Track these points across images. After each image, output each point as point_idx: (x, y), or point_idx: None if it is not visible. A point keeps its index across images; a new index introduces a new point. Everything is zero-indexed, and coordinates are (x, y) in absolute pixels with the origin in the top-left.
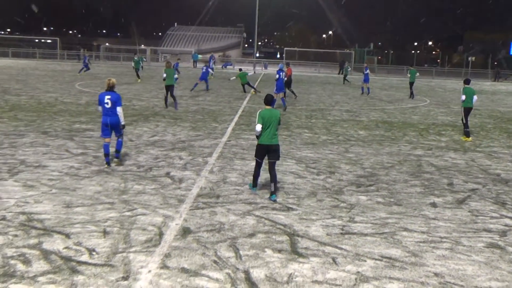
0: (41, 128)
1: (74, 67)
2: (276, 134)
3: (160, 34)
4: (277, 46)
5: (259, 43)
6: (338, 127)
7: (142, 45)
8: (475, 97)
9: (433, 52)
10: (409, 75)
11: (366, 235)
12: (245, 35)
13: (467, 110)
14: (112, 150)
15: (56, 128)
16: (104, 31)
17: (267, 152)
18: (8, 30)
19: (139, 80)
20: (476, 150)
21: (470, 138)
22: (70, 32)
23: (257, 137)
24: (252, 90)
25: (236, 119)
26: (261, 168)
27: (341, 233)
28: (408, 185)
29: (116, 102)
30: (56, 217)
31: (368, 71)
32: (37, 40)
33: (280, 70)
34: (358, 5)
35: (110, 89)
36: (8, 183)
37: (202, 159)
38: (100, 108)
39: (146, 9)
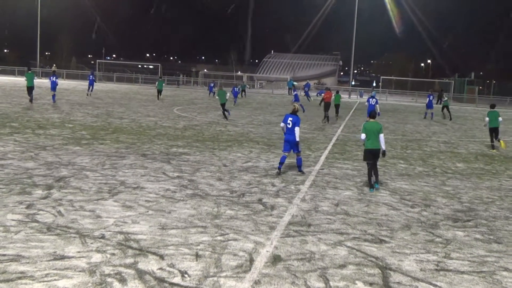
0: (140, 151)
1: (174, 92)
2: (378, 140)
3: (257, 61)
4: (373, 75)
5: (355, 71)
6: (434, 158)
7: (239, 72)
8: (500, 119)
9: None
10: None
11: (463, 272)
12: (341, 63)
13: (492, 130)
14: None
15: (155, 151)
16: (203, 57)
17: (373, 155)
18: (114, 55)
19: (157, 100)
20: None
21: (495, 149)
22: (171, 58)
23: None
24: (225, 113)
25: (329, 147)
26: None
27: (436, 269)
28: (510, 222)
29: (295, 123)
30: (151, 238)
31: (432, 98)
32: (140, 66)
33: (371, 97)
34: (457, 34)
35: (294, 113)
36: (108, 202)
37: (294, 187)
38: (282, 124)
39: (244, 36)
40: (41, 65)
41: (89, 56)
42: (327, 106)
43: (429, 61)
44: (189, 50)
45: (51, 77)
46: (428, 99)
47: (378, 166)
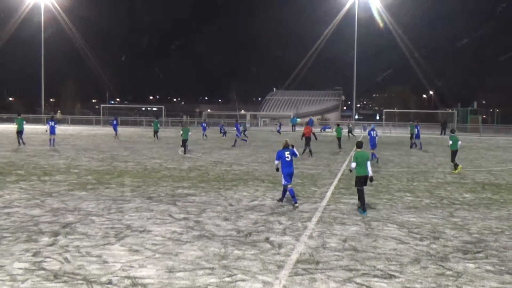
0: (146, 194)
1: (178, 134)
2: (367, 167)
3: (259, 99)
4: (376, 108)
5: (358, 105)
6: (441, 190)
7: (242, 110)
8: (459, 143)
9: None
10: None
11: None
12: (343, 97)
13: (454, 152)
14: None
15: (160, 193)
16: (206, 97)
17: (364, 181)
18: (118, 99)
19: (156, 140)
20: None
21: (460, 166)
22: (174, 100)
23: (350, 171)
24: (181, 149)
25: (335, 182)
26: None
27: None
28: None
29: (293, 155)
30: (159, 282)
31: (419, 127)
32: (143, 109)
33: (372, 129)
34: (458, 64)
35: (287, 147)
36: (114, 247)
37: (301, 224)
38: (277, 162)
39: (245, 75)
40: (45, 112)
41: (93, 101)
42: (307, 141)
43: (431, 92)
44: (192, 91)
45: (49, 122)
46: (416, 129)
47: (384, 200)
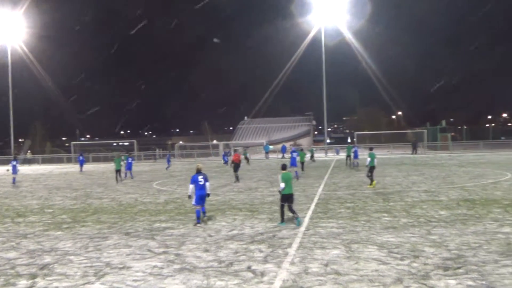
0: (123, 230)
1: (151, 167)
2: (291, 186)
3: (231, 128)
4: (347, 131)
5: (329, 129)
6: (417, 208)
7: (214, 141)
8: (375, 160)
9: (509, 124)
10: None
11: None
12: (314, 122)
13: (372, 168)
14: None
15: (138, 228)
16: (177, 129)
17: (287, 198)
18: (88, 136)
19: (120, 180)
20: None
21: (374, 182)
22: (146, 133)
23: (279, 192)
24: (118, 177)
25: (312, 207)
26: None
27: None
28: (500, 265)
29: (206, 179)
30: None
31: (356, 148)
32: (115, 144)
33: (293, 151)
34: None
35: (200, 172)
36: (95, 286)
37: (282, 251)
38: (191, 186)
39: (217, 105)
40: (15, 152)
41: (63, 138)
42: (236, 167)
43: (399, 112)
44: (163, 124)
45: (12, 162)
46: (353, 150)
47: (362, 222)
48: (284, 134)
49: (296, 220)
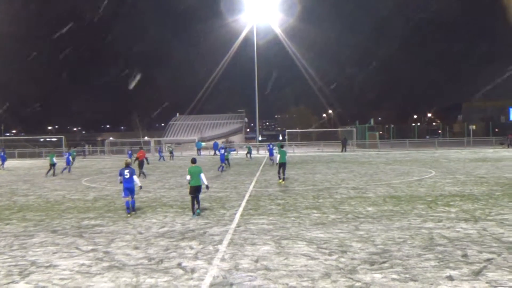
0: (50, 227)
1: (81, 163)
2: (199, 179)
3: (163, 124)
4: (279, 129)
5: (261, 126)
6: (346, 205)
7: (146, 137)
8: (286, 157)
9: (434, 123)
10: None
11: None
12: (246, 119)
13: (282, 164)
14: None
15: (65, 226)
16: (108, 125)
17: (195, 190)
18: (14, 131)
19: (45, 177)
20: (487, 219)
21: (282, 179)
22: (75, 129)
23: (189, 182)
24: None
25: (243, 204)
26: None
27: None
28: (422, 259)
29: (132, 173)
30: None
31: (272, 146)
32: (42, 140)
33: (221, 147)
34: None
35: (127, 166)
36: (19, 286)
37: (213, 247)
38: (120, 178)
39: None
40: None
41: None
42: (141, 164)
43: (330, 111)
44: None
45: None
46: (268, 148)
47: (292, 218)
48: (216, 131)
49: (196, 211)
